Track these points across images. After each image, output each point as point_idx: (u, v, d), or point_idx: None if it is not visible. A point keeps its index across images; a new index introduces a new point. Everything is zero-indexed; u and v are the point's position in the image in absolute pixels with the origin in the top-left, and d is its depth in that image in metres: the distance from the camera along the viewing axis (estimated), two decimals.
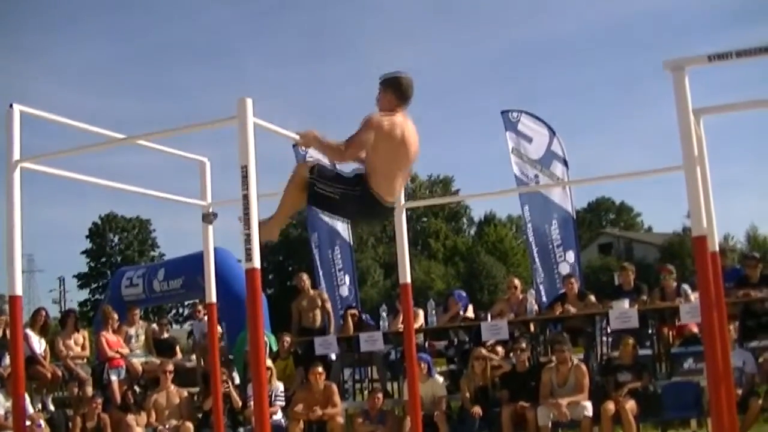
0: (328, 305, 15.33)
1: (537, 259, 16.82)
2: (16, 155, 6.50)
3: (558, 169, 16.67)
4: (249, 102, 5.58)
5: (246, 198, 5.46)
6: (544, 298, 15.60)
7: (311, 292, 15.23)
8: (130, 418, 12.70)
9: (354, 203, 6.35)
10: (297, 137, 6.27)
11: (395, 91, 6.42)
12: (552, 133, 16.83)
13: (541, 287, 16.60)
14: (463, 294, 14.98)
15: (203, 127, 6.29)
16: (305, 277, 15.49)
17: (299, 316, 14.96)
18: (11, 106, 6.49)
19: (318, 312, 14.98)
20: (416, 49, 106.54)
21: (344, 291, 18.07)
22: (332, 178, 6.33)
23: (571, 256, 16.63)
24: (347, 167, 6.65)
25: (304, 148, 6.22)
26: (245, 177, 5.46)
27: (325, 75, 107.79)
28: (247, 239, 5.42)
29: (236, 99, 5.60)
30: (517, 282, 14.27)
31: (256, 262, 5.44)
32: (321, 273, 18.26)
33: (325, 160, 7.53)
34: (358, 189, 6.31)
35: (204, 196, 8.20)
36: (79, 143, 7.17)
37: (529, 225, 17.08)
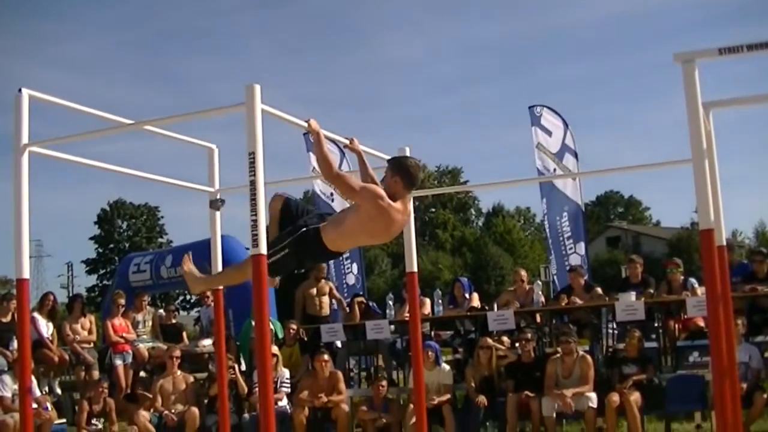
0: (337, 292, 15.36)
1: (552, 252, 16.91)
2: (25, 139, 6.52)
3: (570, 162, 16.78)
4: (257, 88, 5.58)
5: (253, 184, 5.47)
6: (559, 289, 15.64)
7: (322, 280, 15.24)
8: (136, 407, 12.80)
9: (296, 246, 6.30)
10: (305, 124, 6.27)
11: (404, 177, 6.27)
12: (566, 125, 16.92)
13: (555, 278, 16.72)
14: (468, 281, 14.97)
15: (212, 114, 6.30)
16: (324, 265, 15.47)
17: (304, 303, 14.98)
18: (20, 90, 6.51)
19: (325, 299, 15.01)
20: (424, 38, 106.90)
21: (351, 279, 18.11)
22: (273, 245, 6.26)
23: (581, 248, 16.72)
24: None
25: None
26: (253, 163, 5.46)
27: (333, 64, 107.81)
28: (254, 225, 5.43)
29: (244, 86, 5.60)
30: (524, 273, 14.26)
31: (263, 249, 5.45)
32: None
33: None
34: (309, 228, 6.32)
35: (212, 183, 8.22)
36: (87, 129, 7.18)
37: (546, 218, 17.09)
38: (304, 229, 6.33)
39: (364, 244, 6.60)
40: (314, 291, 15.01)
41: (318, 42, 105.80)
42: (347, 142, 7.03)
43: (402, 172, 6.28)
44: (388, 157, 6.90)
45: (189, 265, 7.25)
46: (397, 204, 6.22)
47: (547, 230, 17.29)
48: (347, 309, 14.85)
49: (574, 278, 13.52)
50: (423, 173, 6.55)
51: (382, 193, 6.13)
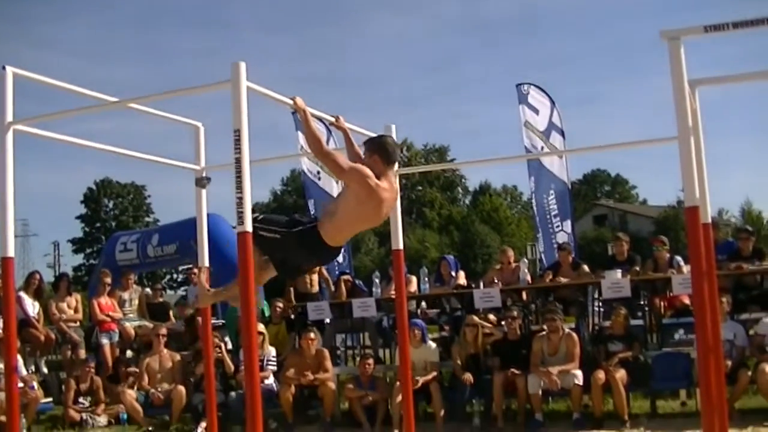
0: (325, 271, 15.36)
1: (540, 229, 16.96)
2: (9, 117, 6.48)
3: (557, 140, 16.81)
4: (242, 66, 5.56)
5: (239, 161, 5.45)
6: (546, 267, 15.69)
7: None
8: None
9: (295, 241, 6.29)
10: (290, 102, 6.25)
11: (382, 154, 6.31)
12: (552, 104, 16.94)
13: (543, 256, 16.78)
14: (454, 259, 14.97)
15: (197, 91, 6.29)
16: None
17: (294, 281, 14.99)
18: (3, 68, 6.47)
19: (315, 277, 15.02)
20: (410, 17, 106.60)
21: (339, 257, 18.08)
22: (274, 224, 6.34)
23: (568, 226, 16.77)
24: None
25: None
26: (238, 140, 5.45)
27: (320, 42, 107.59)
28: (240, 203, 5.42)
29: (230, 63, 5.58)
30: (510, 254, 14.28)
31: (248, 226, 5.44)
32: None
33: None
34: (300, 228, 6.31)
35: (198, 161, 8.19)
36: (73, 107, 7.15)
37: (534, 196, 17.11)
38: (301, 227, 6.33)
39: (358, 230, 6.56)
40: None
41: (304, 20, 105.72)
42: (333, 120, 7.04)
43: (380, 150, 6.33)
44: (374, 135, 6.92)
45: (202, 279, 7.24)
46: (383, 183, 6.22)
47: (535, 208, 17.31)
48: (333, 288, 14.85)
49: (564, 256, 13.55)
50: (400, 150, 6.57)
51: (370, 172, 6.13)
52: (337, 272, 16.52)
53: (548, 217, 16.87)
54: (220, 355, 12.21)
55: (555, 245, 16.28)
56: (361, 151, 6.63)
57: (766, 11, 5.34)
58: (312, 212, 18.13)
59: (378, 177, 6.18)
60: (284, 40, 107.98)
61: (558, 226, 16.83)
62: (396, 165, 6.58)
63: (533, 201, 17.39)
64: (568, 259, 13.45)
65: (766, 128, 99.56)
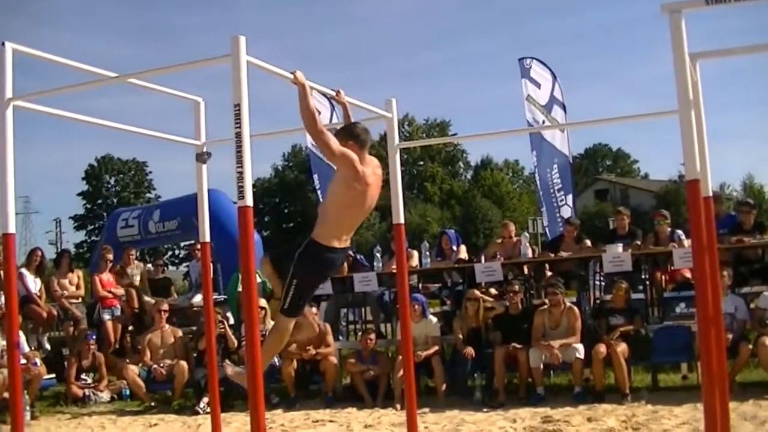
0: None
1: (544, 204, 16.96)
2: (9, 93, 6.46)
3: (559, 114, 16.83)
4: (242, 40, 5.54)
5: (239, 136, 5.43)
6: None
7: None
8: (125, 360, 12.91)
9: (304, 258, 6.43)
10: (291, 76, 6.24)
11: (356, 140, 6.50)
12: (554, 78, 16.92)
13: (547, 230, 16.82)
14: (454, 233, 14.96)
15: (197, 65, 6.25)
16: None
17: None
18: (3, 44, 6.44)
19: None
20: None
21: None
22: (285, 254, 6.64)
23: (569, 200, 16.82)
24: None
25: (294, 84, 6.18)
26: (238, 115, 5.43)
27: (322, 17, 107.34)
28: (240, 177, 5.41)
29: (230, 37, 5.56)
30: (512, 228, 14.25)
31: (249, 201, 5.43)
32: None
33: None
34: (303, 244, 6.46)
35: (198, 136, 8.16)
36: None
37: (537, 170, 17.10)
38: (299, 249, 6.46)
39: (352, 221, 6.59)
40: None
41: None
42: (333, 93, 7.08)
43: (353, 137, 6.52)
44: (375, 109, 7.03)
45: (231, 369, 7.25)
46: (367, 168, 6.44)
47: (538, 183, 17.30)
48: None
49: (569, 231, 13.56)
50: (370, 134, 6.75)
51: (356, 157, 6.32)
52: None
53: (552, 191, 16.90)
54: (222, 330, 12.24)
55: (559, 219, 16.31)
56: None
57: None
58: (317, 186, 18.14)
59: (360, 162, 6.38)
60: (285, 13, 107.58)
61: (562, 200, 16.90)
62: (368, 147, 6.70)
63: (536, 175, 17.38)
64: (573, 233, 13.45)
65: None
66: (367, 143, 6.61)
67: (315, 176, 18.53)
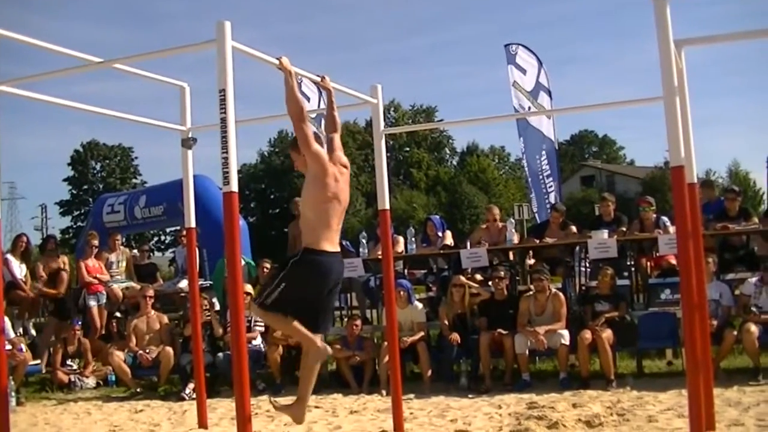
0: None
1: (533, 190, 17.00)
2: None
3: (545, 100, 16.86)
4: (227, 25, 5.53)
5: (224, 121, 5.44)
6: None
7: None
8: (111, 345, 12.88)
9: (298, 264, 6.34)
10: (276, 62, 6.23)
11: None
12: (540, 64, 16.95)
13: (537, 216, 16.86)
14: (439, 219, 14.95)
15: (182, 51, 6.26)
16: None
17: (294, 241, 14.94)
18: None
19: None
20: None
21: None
22: (268, 284, 6.50)
23: (555, 186, 16.88)
24: None
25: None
26: (223, 100, 5.44)
27: (305, 4, 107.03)
28: (225, 163, 5.41)
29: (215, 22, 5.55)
30: (496, 211, 14.25)
31: (234, 186, 5.44)
32: None
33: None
34: (291, 261, 6.39)
35: (183, 122, 8.16)
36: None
37: (525, 156, 17.13)
38: (294, 258, 6.40)
39: (333, 219, 6.52)
40: None
41: None
42: (319, 79, 7.08)
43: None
44: (360, 95, 7.05)
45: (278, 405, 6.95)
46: (335, 166, 6.51)
47: (526, 169, 17.35)
48: None
49: (555, 217, 13.59)
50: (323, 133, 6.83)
51: (326, 156, 6.40)
52: None
53: (541, 177, 16.95)
54: (209, 317, 12.24)
55: (548, 205, 16.36)
56: (337, 115, 6.92)
57: None
58: None
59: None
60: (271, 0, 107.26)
61: (551, 187, 16.95)
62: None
63: (525, 162, 17.41)
64: (559, 220, 13.47)
65: (755, 89, 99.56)
66: (322, 142, 6.59)
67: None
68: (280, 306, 6.28)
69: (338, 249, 6.57)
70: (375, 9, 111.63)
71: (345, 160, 6.72)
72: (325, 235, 6.41)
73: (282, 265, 6.48)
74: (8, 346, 10.23)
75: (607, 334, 10.84)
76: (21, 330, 13.96)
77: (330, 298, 6.64)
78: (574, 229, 13.36)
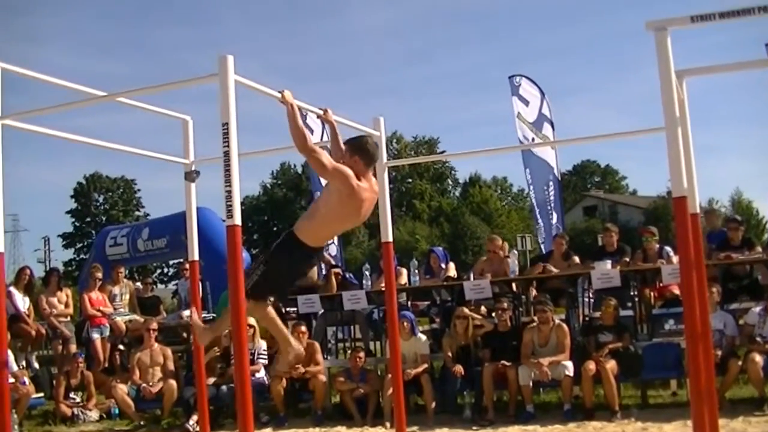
0: (324, 256, 15.32)
1: (540, 220, 17.01)
2: None
3: (547, 131, 16.89)
4: (230, 59, 5.56)
5: (227, 155, 5.45)
6: None
7: None
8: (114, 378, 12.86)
9: (276, 256, 6.48)
10: (278, 95, 6.25)
11: (363, 155, 6.47)
12: (542, 94, 17.01)
13: (542, 247, 16.85)
14: (443, 250, 14.95)
15: (185, 84, 6.27)
16: None
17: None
18: None
19: (314, 269, 14.97)
20: (399, 6, 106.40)
21: (333, 250, 18.00)
22: (251, 266, 6.68)
23: (557, 217, 16.90)
24: None
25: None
26: (226, 134, 5.45)
27: (308, 34, 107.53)
28: (228, 196, 5.42)
29: (217, 56, 5.58)
30: (498, 240, 14.25)
31: (237, 220, 5.44)
32: None
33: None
34: (276, 242, 6.52)
35: (186, 155, 8.18)
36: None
37: (532, 187, 17.15)
38: (278, 240, 6.52)
39: (338, 231, 6.66)
40: None
41: (292, 12, 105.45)
42: (321, 113, 7.10)
43: (361, 151, 6.48)
44: (363, 128, 7.05)
45: (195, 317, 7.30)
46: (363, 183, 6.40)
47: (533, 199, 17.34)
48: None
49: (558, 243, 13.59)
50: (378, 149, 6.80)
51: (351, 172, 6.28)
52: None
53: (549, 207, 16.97)
54: (218, 353, 12.26)
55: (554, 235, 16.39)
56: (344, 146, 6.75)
57: (753, 0, 5.36)
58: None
59: (358, 177, 6.34)
60: (272, 31, 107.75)
61: (554, 217, 16.98)
62: (375, 165, 6.75)
63: (531, 192, 17.42)
64: (561, 248, 13.47)
65: (756, 117, 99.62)
66: (374, 160, 6.61)
67: (317, 194, 18.52)
68: (258, 288, 6.40)
69: (322, 245, 6.83)
70: (376, 39, 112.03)
71: (375, 181, 6.73)
72: (321, 239, 6.62)
73: (265, 252, 6.60)
74: (11, 379, 10.22)
75: (611, 364, 10.81)
76: (24, 363, 13.94)
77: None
78: (576, 259, 13.35)
